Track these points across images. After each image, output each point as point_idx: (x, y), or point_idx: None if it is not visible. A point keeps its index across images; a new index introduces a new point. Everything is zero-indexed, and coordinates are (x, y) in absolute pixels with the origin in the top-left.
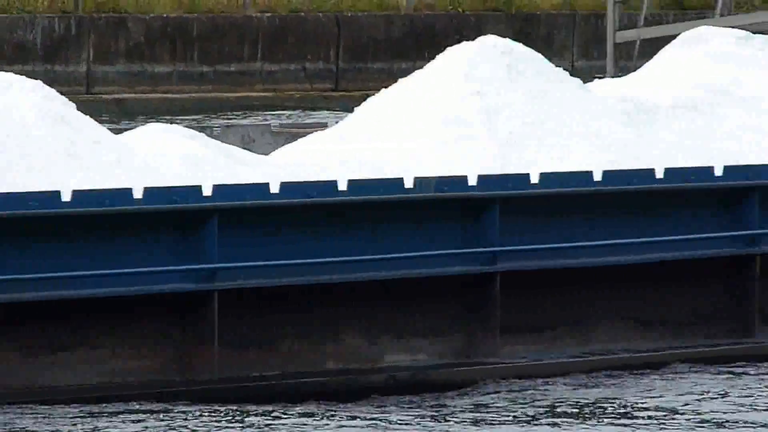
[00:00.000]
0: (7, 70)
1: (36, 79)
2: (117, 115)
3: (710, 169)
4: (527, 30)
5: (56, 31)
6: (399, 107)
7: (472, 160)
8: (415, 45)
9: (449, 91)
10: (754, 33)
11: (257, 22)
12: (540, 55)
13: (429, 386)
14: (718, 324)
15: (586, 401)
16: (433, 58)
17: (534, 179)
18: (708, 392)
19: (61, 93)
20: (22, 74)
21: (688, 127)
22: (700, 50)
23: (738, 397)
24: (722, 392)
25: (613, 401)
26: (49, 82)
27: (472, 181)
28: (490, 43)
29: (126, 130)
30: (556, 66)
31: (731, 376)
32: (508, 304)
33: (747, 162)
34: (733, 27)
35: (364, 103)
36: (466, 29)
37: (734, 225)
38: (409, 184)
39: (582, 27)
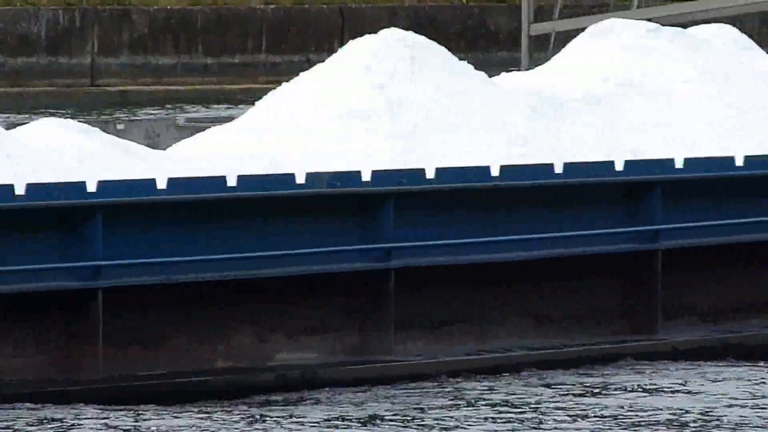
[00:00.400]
0: (11, 62)
1: (41, 70)
2: (121, 106)
3: (611, 163)
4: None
5: (60, 23)
6: (300, 101)
7: (374, 155)
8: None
9: (352, 85)
10: (671, 25)
11: (261, 13)
12: (444, 48)
13: (319, 385)
14: (621, 320)
15: (483, 399)
16: None
17: (430, 174)
18: (612, 388)
19: (66, 85)
20: (26, 66)
21: (595, 120)
22: (609, 43)
23: (642, 392)
24: (628, 388)
25: (509, 398)
26: (54, 74)
27: (366, 177)
28: (393, 35)
29: (21, 124)
30: None
31: (634, 372)
32: (403, 301)
33: (656, 156)
34: (650, 19)
35: (265, 97)
36: (470, 20)
37: (636, 220)
38: (300, 179)
39: None
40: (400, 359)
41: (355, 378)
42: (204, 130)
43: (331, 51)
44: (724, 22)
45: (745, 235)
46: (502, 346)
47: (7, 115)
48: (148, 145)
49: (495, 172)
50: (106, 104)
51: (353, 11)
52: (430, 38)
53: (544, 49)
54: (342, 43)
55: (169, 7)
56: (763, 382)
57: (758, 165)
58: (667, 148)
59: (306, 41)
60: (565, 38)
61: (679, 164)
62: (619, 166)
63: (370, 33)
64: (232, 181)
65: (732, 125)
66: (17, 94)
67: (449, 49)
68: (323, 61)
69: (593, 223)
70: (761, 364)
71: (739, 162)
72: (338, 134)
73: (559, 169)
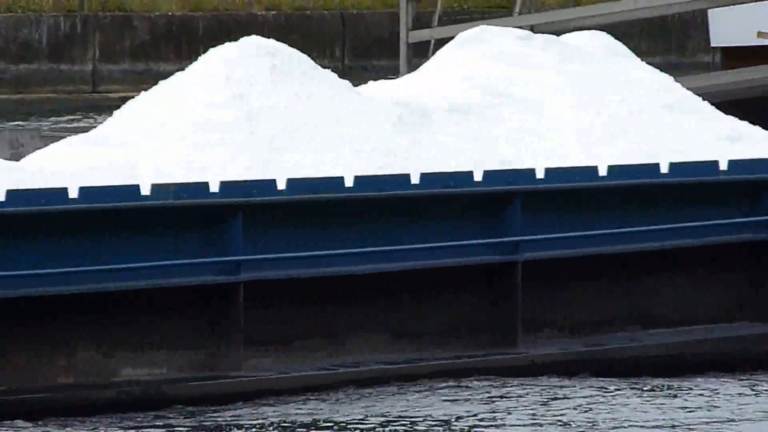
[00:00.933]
0: (12, 69)
1: (43, 77)
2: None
3: (470, 174)
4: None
5: (62, 30)
6: (158, 110)
7: (232, 166)
8: (421, 42)
9: (209, 94)
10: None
11: (262, 20)
12: (306, 56)
13: (165, 402)
14: (480, 334)
15: (334, 416)
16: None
17: (281, 185)
18: (468, 403)
19: (67, 92)
20: (28, 73)
21: (463, 130)
22: (478, 50)
23: (498, 409)
24: (485, 401)
25: (364, 414)
26: (55, 81)
27: (214, 188)
28: (253, 43)
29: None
30: None
31: (493, 386)
32: (253, 315)
33: (525, 166)
34: (533, 26)
35: (123, 106)
36: (471, 26)
37: (496, 231)
38: (146, 191)
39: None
40: (249, 375)
41: (203, 394)
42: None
43: (333, 56)
44: (609, 30)
45: (607, 247)
46: (357, 361)
47: (15, 123)
48: (11, 156)
49: (349, 182)
50: (109, 110)
51: (354, 17)
52: None
53: (424, 56)
54: (343, 49)
55: (170, 14)
56: (619, 393)
57: (622, 175)
58: (537, 158)
59: (307, 47)
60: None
61: (540, 174)
62: (478, 177)
63: (370, 38)
64: (73, 193)
65: (604, 134)
66: (19, 100)
67: None
68: (323, 66)
69: (452, 235)
70: (623, 378)
71: (603, 172)
72: (196, 145)
73: (415, 179)
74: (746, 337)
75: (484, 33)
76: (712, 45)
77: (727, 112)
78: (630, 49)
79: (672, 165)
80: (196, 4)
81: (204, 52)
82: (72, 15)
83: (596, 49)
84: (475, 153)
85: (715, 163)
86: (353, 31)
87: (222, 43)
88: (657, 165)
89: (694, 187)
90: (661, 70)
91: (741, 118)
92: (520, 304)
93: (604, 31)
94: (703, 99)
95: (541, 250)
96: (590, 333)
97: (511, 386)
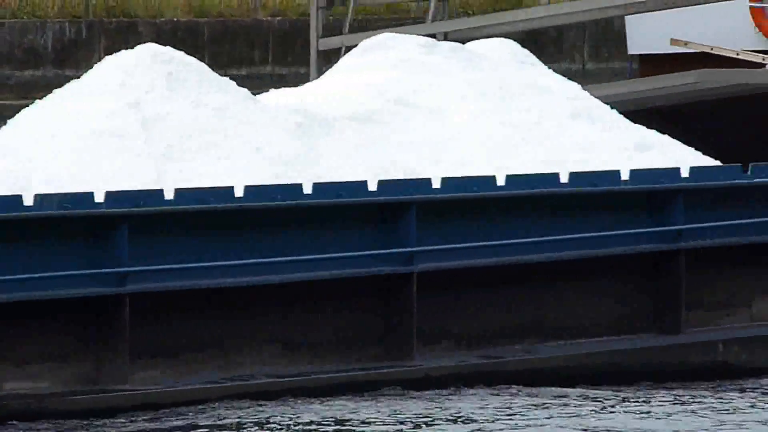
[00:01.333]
0: (18, 74)
1: (48, 83)
2: None
3: (364, 183)
4: (538, 31)
5: (67, 36)
6: (52, 118)
7: (128, 175)
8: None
9: (104, 102)
10: (469, 40)
11: (267, 25)
12: (204, 64)
13: (48, 415)
14: (375, 346)
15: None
16: (555, 56)
17: (168, 195)
18: (357, 422)
19: None
20: (33, 79)
21: (365, 138)
22: (381, 58)
23: (401, 422)
24: (385, 416)
25: (254, 428)
26: (61, 87)
27: (99, 198)
28: (149, 51)
29: None
30: (569, 68)
31: (389, 400)
32: (139, 327)
33: (427, 175)
34: (447, 33)
35: (18, 115)
36: (592, 29)
37: (391, 242)
38: (28, 201)
39: (592, 28)
40: (135, 388)
41: (87, 408)
42: None
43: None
44: (526, 37)
45: (505, 257)
46: (246, 374)
47: None
48: None
49: (239, 192)
50: None
51: (359, 23)
52: None
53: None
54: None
55: (175, 19)
56: (513, 403)
57: (520, 184)
58: (440, 167)
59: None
60: None
61: (436, 184)
62: (372, 187)
63: None
64: None
65: (508, 142)
66: (24, 106)
67: None
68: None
69: (347, 246)
70: (517, 389)
71: (501, 181)
72: (90, 154)
73: (308, 189)
74: (646, 348)
75: (387, 40)
76: (630, 52)
77: (643, 120)
78: (548, 56)
79: (572, 174)
80: (201, 10)
81: (209, 57)
82: (77, 21)
83: (502, 57)
84: (377, 162)
85: (617, 172)
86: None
87: (226, 48)
88: (557, 174)
89: (595, 197)
90: (577, 78)
91: (657, 126)
92: (416, 315)
93: (518, 37)
94: (618, 107)
95: (437, 260)
96: (488, 345)
97: (410, 400)
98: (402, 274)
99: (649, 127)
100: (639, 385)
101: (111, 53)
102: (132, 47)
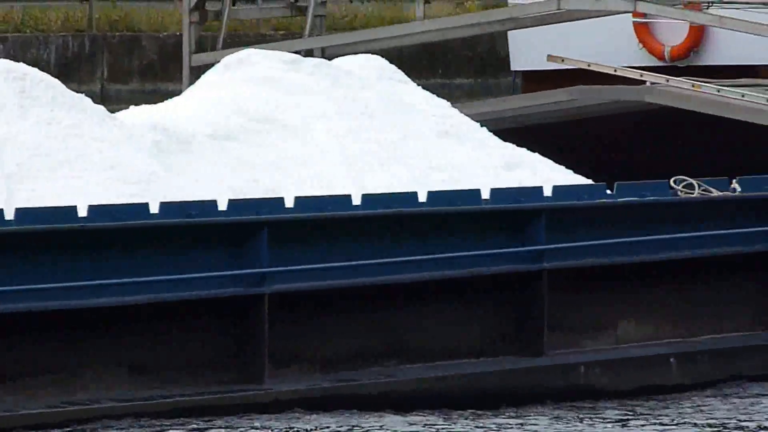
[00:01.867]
0: None
1: None
2: None
3: (214, 203)
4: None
5: (70, 50)
6: None
7: None
8: (429, 59)
9: None
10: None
11: (271, 40)
12: (58, 81)
13: None
14: (226, 370)
15: None
16: (445, 72)
17: (8, 215)
18: None
19: None
20: None
21: (225, 157)
22: (243, 74)
23: None
24: None
25: None
26: None
27: None
28: (1, 67)
29: None
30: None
31: (239, 424)
32: None
33: (287, 194)
34: (324, 49)
35: None
36: (479, 45)
37: (243, 263)
38: None
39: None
40: None
41: None
42: None
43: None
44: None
45: (361, 278)
46: (90, 398)
47: None
48: None
49: (83, 212)
50: None
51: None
52: (438, 61)
53: None
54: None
55: (178, 33)
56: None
57: (377, 204)
58: (302, 186)
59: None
60: None
61: (289, 203)
62: (222, 206)
63: (379, 56)
64: None
65: (372, 161)
66: None
67: None
68: None
69: (198, 266)
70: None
71: (357, 201)
72: None
73: (154, 209)
74: (507, 371)
75: (250, 56)
76: (512, 69)
77: (521, 138)
78: (426, 71)
79: (430, 194)
80: (205, 25)
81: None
82: (80, 35)
83: (369, 74)
84: (237, 181)
85: (477, 191)
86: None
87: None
88: (415, 194)
89: (455, 217)
90: (463, 94)
91: (535, 144)
92: (268, 338)
93: (395, 54)
94: (497, 124)
95: (289, 282)
96: (343, 368)
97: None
98: (253, 295)
99: (527, 145)
100: (501, 408)
101: (114, 67)
102: (135, 61)
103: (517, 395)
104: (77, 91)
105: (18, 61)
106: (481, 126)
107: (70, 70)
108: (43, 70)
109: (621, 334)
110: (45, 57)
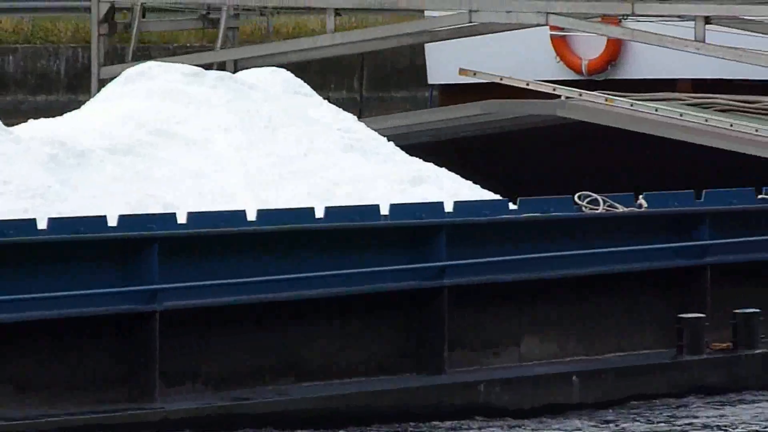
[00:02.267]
0: (31, 100)
1: (61, 109)
2: None
3: (103, 219)
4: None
5: (80, 61)
6: None
7: None
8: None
9: None
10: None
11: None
12: None
13: None
14: (116, 388)
15: None
16: (368, 85)
17: None
18: None
19: None
20: (45, 104)
21: (123, 171)
22: (143, 87)
23: None
24: None
25: None
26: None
27: None
28: None
29: None
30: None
31: None
32: None
33: (187, 208)
34: (234, 60)
35: None
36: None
37: (134, 279)
38: None
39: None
40: None
41: None
42: None
43: (351, 89)
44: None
45: (255, 295)
46: None
47: None
48: None
49: None
50: None
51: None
52: None
53: None
54: (362, 81)
55: (188, 45)
56: None
57: (272, 219)
58: (201, 201)
59: (325, 78)
60: None
61: (181, 219)
62: (112, 222)
63: (388, 70)
64: None
65: (274, 175)
66: None
67: None
68: (343, 98)
69: (88, 283)
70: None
71: (251, 216)
72: None
73: (42, 225)
74: (406, 389)
75: (151, 69)
76: (429, 82)
77: (434, 152)
78: (345, 85)
79: (327, 209)
80: (214, 35)
81: None
82: (90, 46)
83: (273, 87)
84: (135, 196)
85: (376, 207)
86: (372, 62)
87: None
88: (312, 209)
89: (353, 232)
90: (378, 107)
91: (447, 158)
92: (159, 355)
93: (303, 67)
94: (411, 138)
95: (181, 298)
96: (237, 386)
97: None
98: (144, 312)
99: (441, 159)
100: (400, 427)
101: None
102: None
103: (416, 414)
104: (79, 105)
105: (28, 72)
106: (390, 141)
107: (80, 81)
108: (52, 81)
109: (524, 352)
110: (55, 68)
